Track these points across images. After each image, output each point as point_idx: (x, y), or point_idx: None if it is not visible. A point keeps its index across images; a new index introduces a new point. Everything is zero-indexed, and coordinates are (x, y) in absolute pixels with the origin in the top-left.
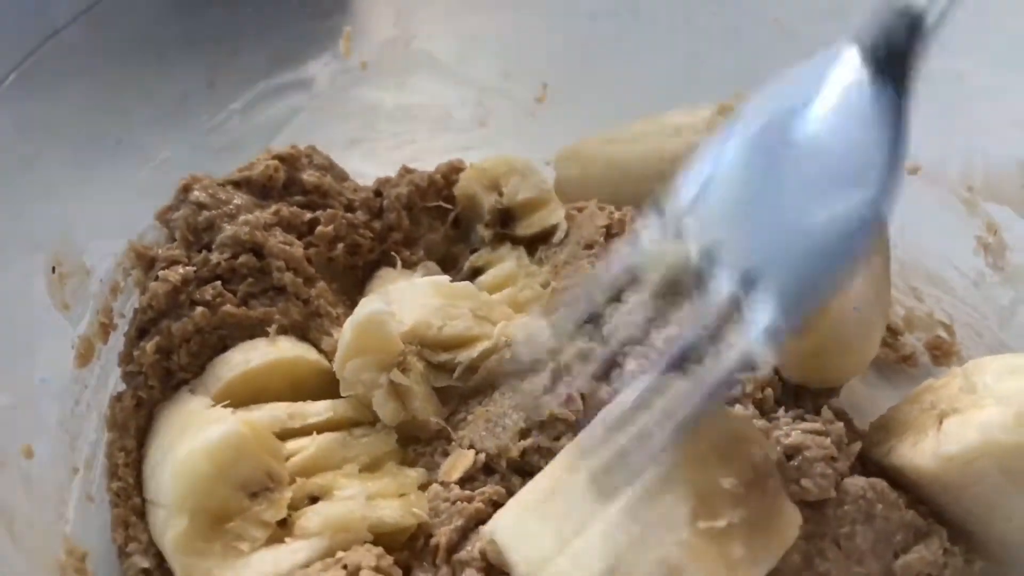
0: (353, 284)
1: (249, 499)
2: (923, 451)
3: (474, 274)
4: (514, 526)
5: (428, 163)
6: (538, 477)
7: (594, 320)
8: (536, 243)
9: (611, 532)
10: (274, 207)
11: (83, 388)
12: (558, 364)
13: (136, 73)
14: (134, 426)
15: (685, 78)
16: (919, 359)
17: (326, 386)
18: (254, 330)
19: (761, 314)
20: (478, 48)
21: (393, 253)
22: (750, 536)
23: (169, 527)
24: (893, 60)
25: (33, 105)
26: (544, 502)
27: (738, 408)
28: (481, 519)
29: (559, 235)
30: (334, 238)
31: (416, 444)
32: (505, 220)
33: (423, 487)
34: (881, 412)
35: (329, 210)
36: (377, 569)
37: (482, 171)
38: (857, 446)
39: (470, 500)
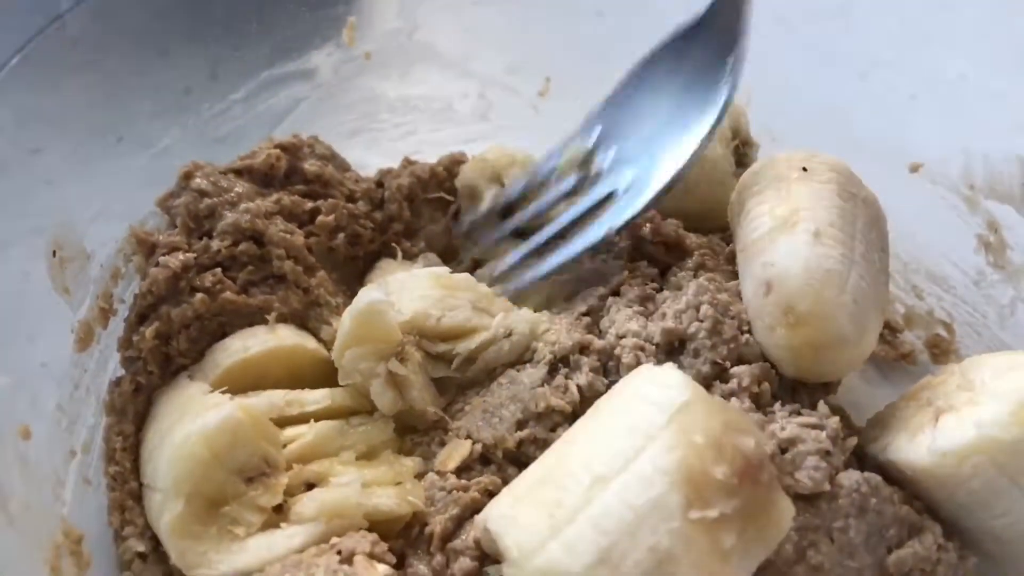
0: (353, 274)
1: (245, 484)
2: (919, 447)
3: (475, 266)
4: (507, 513)
5: (429, 155)
6: (532, 467)
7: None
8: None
9: (603, 519)
10: (275, 196)
11: (82, 372)
12: (555, 355)
13: (139, 62)
14: (132, 411)
15: None
16: (918, 357)
17: (324, 375)
18: (253, 317)
19: (622, 177)
20: (481, 41)
21: (394, 244)
22: (742, 527)
23: (165, 511)
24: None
25: (36, 93)
26: (537, 490)
27: (734, 401)
28: (476, 508)
29: None
30: (335, 228)
31: (413, 434)
32: (505, 212)
33: (419, 476)
34: (880, 409)
35: (330, 200)
36: (371, 555)
37: (484, 162)
38: (852, 441)
39: (466, 489)
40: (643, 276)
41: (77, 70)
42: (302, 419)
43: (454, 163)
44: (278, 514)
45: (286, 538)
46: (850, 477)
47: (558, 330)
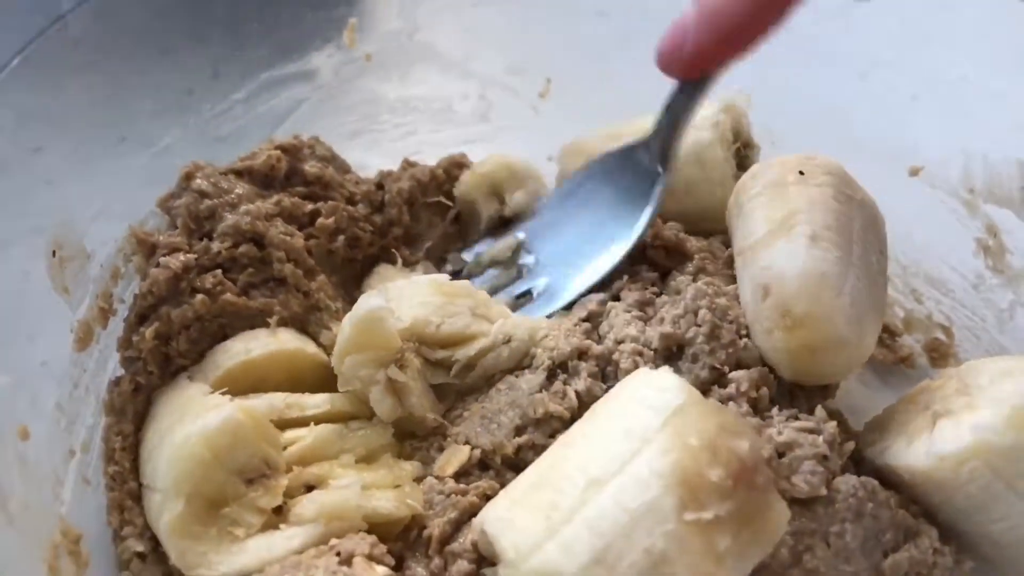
0: (351, 277)
1: (245, 485)
2: (916, 451)
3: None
4: (504, 516)
5: (430, 156)
6: (528, 469)
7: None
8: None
9: (599, 521)
10: (276, 197)
11: (82, 372)
12: (553, 361)
13: (141, 62)
14: (132, 411)
15: None
16: (917, 361)
17: (324, 379)
18: (254, 320)
19: (539, 280)
20: (482, 42)
21: (394, 250)
22: (737, 529)
23: (165, 511)
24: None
25: (37, 93)
26: (533, 493)
27: (732, 406)
28: (474, 512)
29: None
30: (335, 230)
31: (412, 439)
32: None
33: (418, 480)
34: (878, 413)
35: (331, 202)
36: (370, 557)
37: (481, 177)
38: (850, 446)
39: (464, 494)
40: (643, 280)
41: (78, 70)
42: (302, 422)
43: (453, 165)
44: (278, 515)
45: (285, 539)
46: (847, 482)
47: (557, 336)
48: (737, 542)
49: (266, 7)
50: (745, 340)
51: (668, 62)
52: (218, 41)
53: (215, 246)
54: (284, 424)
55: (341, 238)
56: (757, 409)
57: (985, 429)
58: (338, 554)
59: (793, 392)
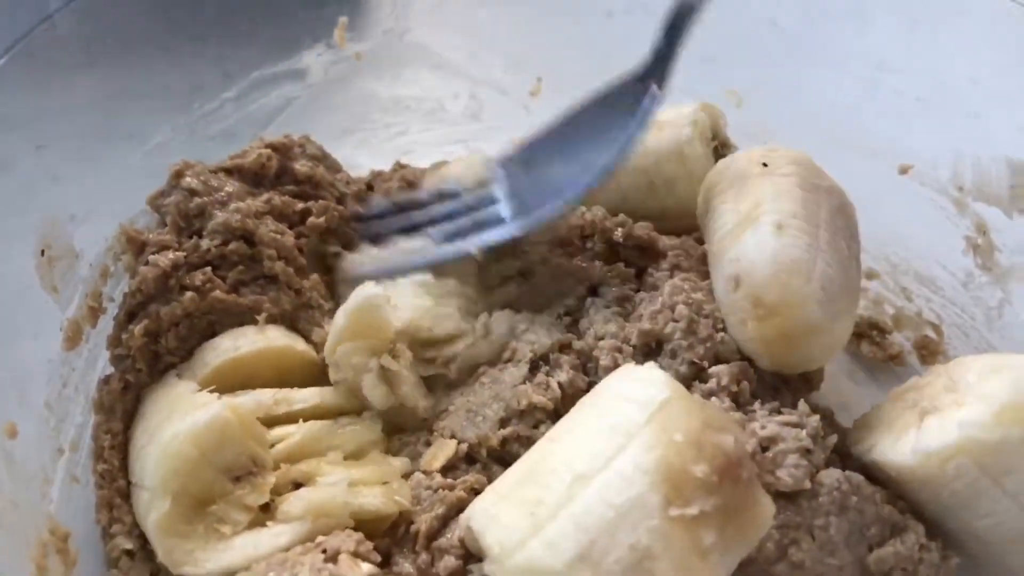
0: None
1: (232, 483)
2: (903, 448)
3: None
4: (489, 511)
5: (421, 155)
6: (515, 465)
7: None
8: None
9: (584, 517)
10: (266, 196)
11: (71, 370)
12: (535, 354)
13: (130, 61)
14: (121, 409)
15: (679, 77)
16: (907, 358)
17: (313, 377)
18: (243, 317)
19: (504, 210)
20: (473, 41)
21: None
22: (722, 524)
23: (153, 509)
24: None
25: (23, 93)
26: (519, 488)
27: (714, 401)
28: (462, 507)
29: None
30: (325, 230)
31: (401, 433)
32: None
33: (406, 476)
34: (867, 410)
35: (320, 201)
36: (356, 554)
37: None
38: (833, 439)
39: (452, 488)
40: (620, 276)
41: (65, 70)
42: (290, 419)
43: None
44: (265, 513)
45: (272, 537)
46: (831, 475)
47: (537, 330)
48: (722, 537)
49: (256, 5)
50: (722, 334)
51: None
52: (208, 40)
53: (205, 244)
54: (272, 421)
55: (332, 238)
56: (739, 403)
57: (972, 425)
58: (324, 551)
59: (776, 386)
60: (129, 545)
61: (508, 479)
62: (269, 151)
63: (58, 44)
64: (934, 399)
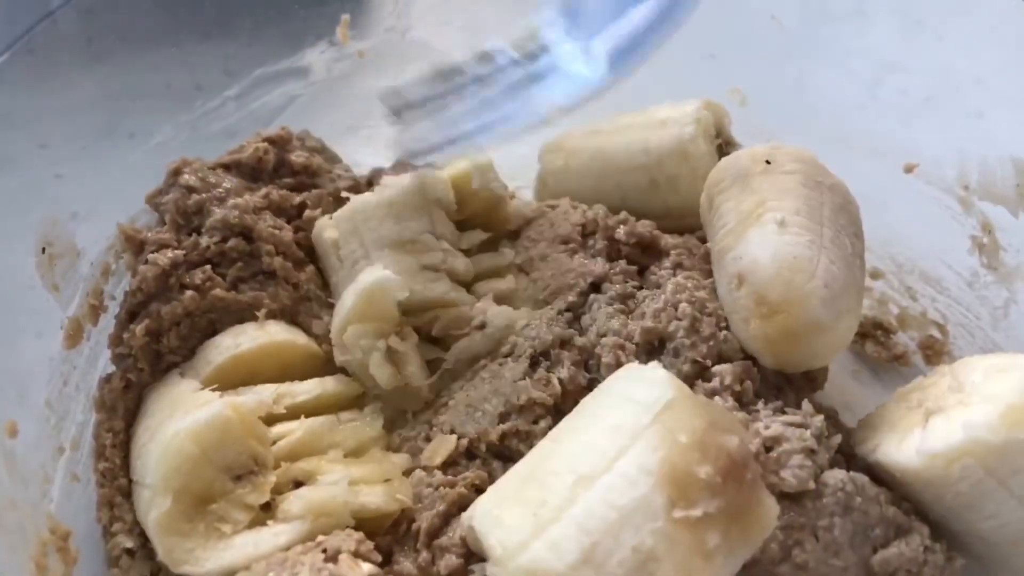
0: None
1: (233, 482)
2: (908, 448)
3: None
4: (492, 512)
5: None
6: (517, 465)
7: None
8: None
9: (587, 519)
10: (264, 190)
11: (72, 369)
12: (535, 350)
13: (131, 59)
14: (122, 407)
15: (682, 75)
16: (912, 358)
17: (315, 370)
18: (243, 314)
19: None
20: (475, 39)
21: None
22: (727, 526)
23: (153, 507)
24: None
25: (24, 91)
26: (521, 489)
27: (717, 400)
28: (463, 504)
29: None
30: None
31: (402, 428)
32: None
33: (407, 472)
34: (872, 411)
35: (315, 191)
36: (356, 553)
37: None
38: (837, 439)
39: (452, 485)
40: (623, 273)
41: (66, 67)
42: (291, 416)
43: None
44: (265, 512)
45: (272, 536)
46: (835, 476)
47: (538, 325)
48: (726, 539)
49: (259, 3)
50: (725, 332)
51: None
52: (211, 38)
53: (204, 241)
54: (274, 419)
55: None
56: (742, 403)
57: (977, 426)
58: (324, 551)
59: (780, 386)
60: (130, 544)
61: (510, 479)
62: (266, 144)
63: (60, 42)
64: (939, 399)
